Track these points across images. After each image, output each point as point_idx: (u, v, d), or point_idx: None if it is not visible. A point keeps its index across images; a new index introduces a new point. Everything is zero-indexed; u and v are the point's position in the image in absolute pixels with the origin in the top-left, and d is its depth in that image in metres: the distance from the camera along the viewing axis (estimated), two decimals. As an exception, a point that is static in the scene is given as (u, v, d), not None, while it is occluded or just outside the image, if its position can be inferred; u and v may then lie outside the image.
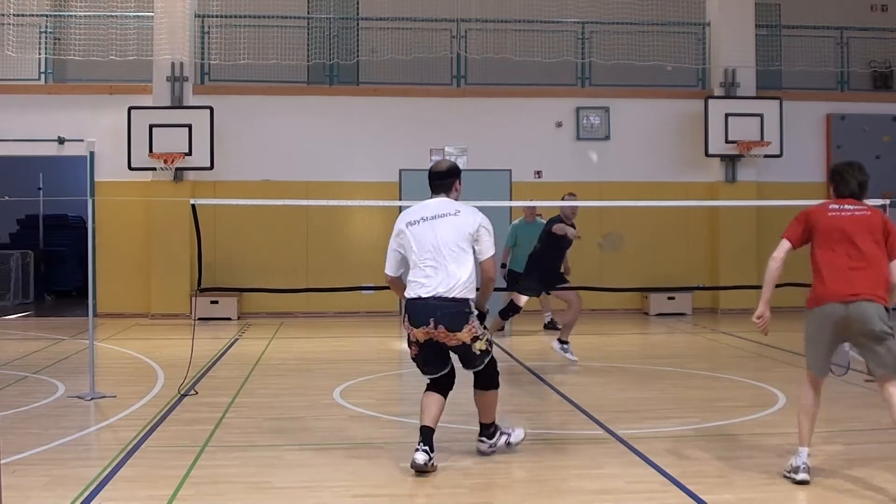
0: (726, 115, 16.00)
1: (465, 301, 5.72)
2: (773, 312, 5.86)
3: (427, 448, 5.60)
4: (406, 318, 5.76)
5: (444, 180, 6.05)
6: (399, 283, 5.95)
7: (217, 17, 16.00)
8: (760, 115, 16.02)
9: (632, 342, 13.39)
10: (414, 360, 5.88)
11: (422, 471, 5.53)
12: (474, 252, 5.80)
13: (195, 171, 15.32)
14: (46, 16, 15.85)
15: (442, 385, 5.91)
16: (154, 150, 14.88)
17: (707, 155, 16.21)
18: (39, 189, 19.27)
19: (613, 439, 6.58)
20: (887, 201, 9.73)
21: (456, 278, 5.67)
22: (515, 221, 13.62)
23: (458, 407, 8.22)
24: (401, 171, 15.85)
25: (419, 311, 5.68)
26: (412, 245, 5.78)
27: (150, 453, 6.18)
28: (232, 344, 12.16)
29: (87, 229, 8.85)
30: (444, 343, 5.72)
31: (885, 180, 16.36)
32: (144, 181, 15.36)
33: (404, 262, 5.89)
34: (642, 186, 15.82)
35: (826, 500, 5.17)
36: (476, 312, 5.81)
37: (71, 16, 15.59)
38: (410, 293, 5.73)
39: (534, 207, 13.29)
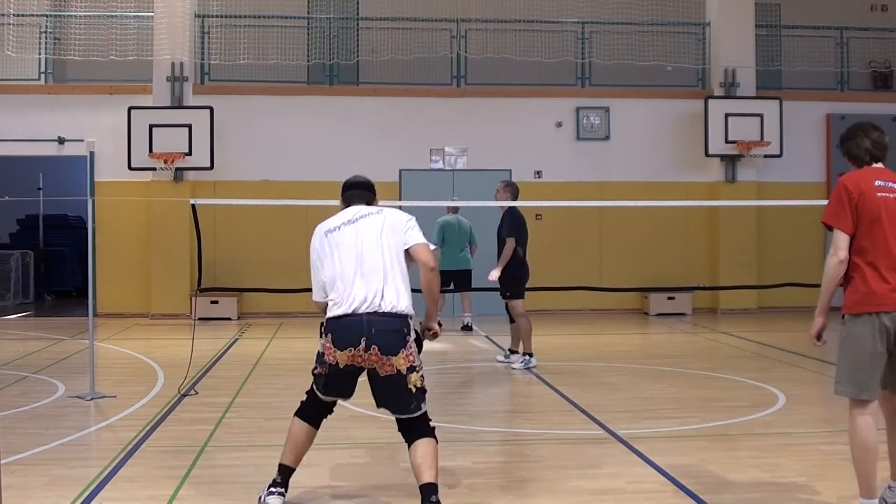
0: (726, 115, 16.00)
1: (404, 318, 4.67)
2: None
3: (283, 490, 4.89)
4: (329, 338, 4.66)
5: (367, 191, 5.14)
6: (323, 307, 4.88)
7: (217, 17, 16.00)
8: (760, 115, 16.02)
9: (632, 342, 13.39)
10: (315, 377, 4.82)
11: None
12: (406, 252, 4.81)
13: (195, 171, 15.32)
14: (46, 16, 15.85)
15: (321, 416, 4.95)
16: (154, 150, 14.88)
17: (707, 155, 16.21)
18: (39, 189, 19.27)
19: (613, 439, 6.58)
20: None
21: (391, 288, 4.66)
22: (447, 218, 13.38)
23: (459, 407, 8.23)
24: (401, 171, 15.87)
25: (347, 328, 4.61)
26: (334, 255, 4.76)
27: (150, 453, 6.18)
28: (232, 344, 12.16)
29: (87, 229, 8.85)
30: (376, 374, 4.65)
31: (885, 180, 16.38)
32: (144, 181, 15.36)
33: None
34: (642, 186, 15.82)
35: (826, 501, 5.17)
36: (414, 336, 4.72)
37: (71, 16, 15.59)
38: (335, 311, 4.66)
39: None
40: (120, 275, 15.44)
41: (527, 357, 9.90)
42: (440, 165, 16.16)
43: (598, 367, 10.31)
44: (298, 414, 4.92)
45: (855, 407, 4.54)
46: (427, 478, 4.63)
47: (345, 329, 4.61)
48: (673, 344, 12.82)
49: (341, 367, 4.66)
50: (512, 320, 10.15)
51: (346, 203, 5.05)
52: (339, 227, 4.83)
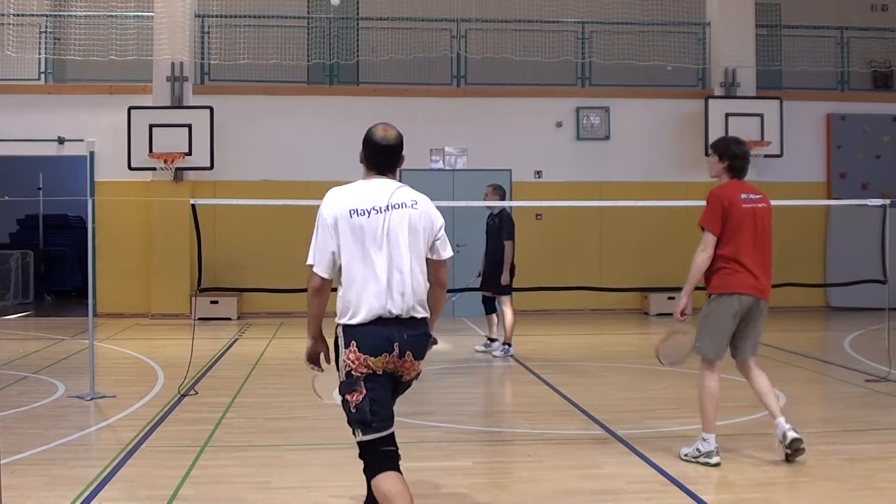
0: (726, 115, 15.99)
1: (426, 321, 4.29)
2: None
3: None
4: (353, 347, 4.11)
5: (396, 156, 4.54)
6: (327, 293, 4.31)
7: (217, 17, 16.00)
8: (760, 115, 16.01)
9: (632, 342, 13.38)
10: (357, 411, 4.13)
11: None
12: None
13: (195, 171, 15.31)
14: (46, 16, 15.85)
15: (396, 456, 4.14)
16: (154, 150, 14.87)
17: (707, 155, 16.14)
18: (39, 189, 19.27)
19: (613, 439, 6.58)
20: (887, 201, 9.75)
21: (419, 292, 4.21)
22: None
23: (459, 407, 8.22)
24: (401, 171, 15.70)
25: (377, 334, 4.09)
26: (356, 243, 4.18)
27: (150, 453, 6.18)
28: (232, 344, 12.16)
29: (87, 229, 8.85)
30: (399, 380, 4.23)
31: (885, 180, 16.38)
32: (144, 181, 15.36)
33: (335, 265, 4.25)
34: (642, 186, 15.82)
35: (826, 500, 5.17)
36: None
37: (71, 16, 15.59)
38: (358, 317, 4.13)
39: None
40: (120, 275, 15.44)
41: (506, 346, 10.72)
42: (440, 165, 16.16)
43: (598, 367, 10.31)
44: (370, 471, 4.11)
45: (707, 366, 6.03)
46: None
47: (375, 335, 4.10)
48: (673, 344, 12.80)
49: (380, 373, 4.12)
50: (488, 311, 11.00)
51: (373, 169, 4.44)
52: (367, 212, 4.20)
